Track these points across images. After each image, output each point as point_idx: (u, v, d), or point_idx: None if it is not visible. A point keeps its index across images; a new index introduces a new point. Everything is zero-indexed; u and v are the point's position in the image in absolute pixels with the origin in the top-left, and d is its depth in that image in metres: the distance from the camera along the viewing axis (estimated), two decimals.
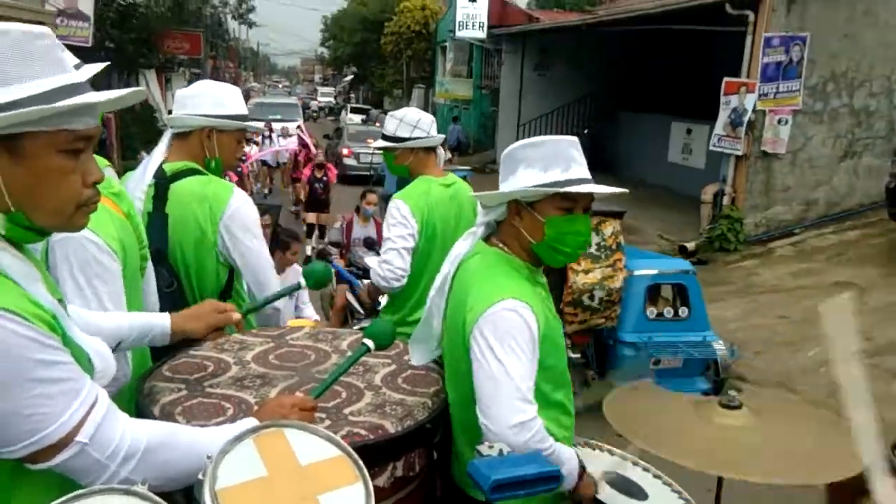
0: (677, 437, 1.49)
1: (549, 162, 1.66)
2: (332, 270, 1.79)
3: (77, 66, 1.75)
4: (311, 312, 4.41)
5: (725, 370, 5.25)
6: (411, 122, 2.87)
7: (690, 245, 9.23)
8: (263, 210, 2.56)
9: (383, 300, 2.99)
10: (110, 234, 1.71)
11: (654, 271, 5.15)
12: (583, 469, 1.69)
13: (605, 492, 1.84)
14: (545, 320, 1.67)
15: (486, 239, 1.83)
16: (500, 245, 1.78)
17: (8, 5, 9.87)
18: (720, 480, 1.81)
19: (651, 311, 5.05)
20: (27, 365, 1.05)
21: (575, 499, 1.74)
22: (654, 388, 1.85)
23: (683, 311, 5.07)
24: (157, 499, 1.05)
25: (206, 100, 2.28)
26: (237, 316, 1.75)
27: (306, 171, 10.16)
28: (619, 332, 4.95)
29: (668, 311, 5.11)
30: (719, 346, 5.07)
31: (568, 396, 1.82)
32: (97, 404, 1.13)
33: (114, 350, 1.48)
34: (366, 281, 3.23)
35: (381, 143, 2.99)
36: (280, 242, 4.58)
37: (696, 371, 5.14)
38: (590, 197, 1.69)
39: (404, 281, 2.80)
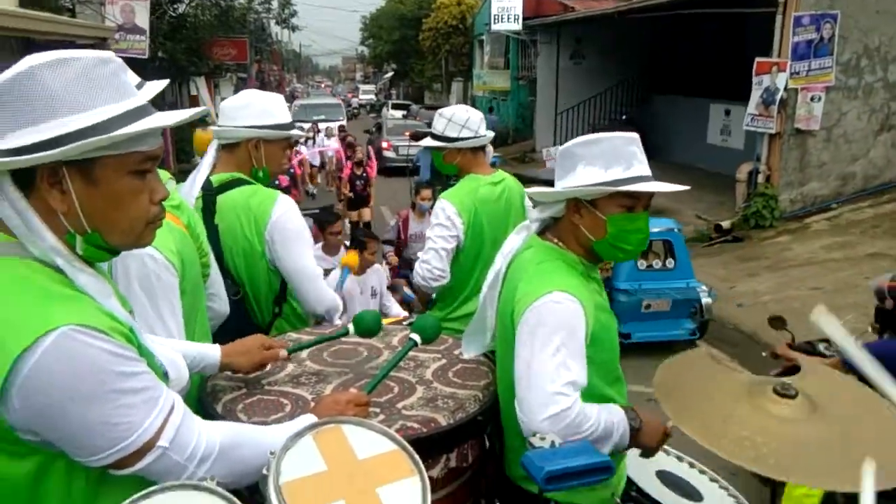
0: (728, 428, 1.37)
1: (610, 159, 1.65)
2: (382, 320, 1.91)
3: (139, 86, 1.88)
4: (398, 310, 4.48)
5: (709, 312, 5.97)
6: (459, 121, 2.85)
7: (726, 223, 9.41)
8: (317, 219, 2.66)
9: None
10: (169, 248, 1.72)
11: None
12: (634, 430, 1.65)
13: (659, 491, 1.88)
14: (595, 316, 1.67)
15: (541, 233, 1.82)
16: (555, 241, 1.77)
17: (71, 23, 10.64)
18: (774, 484, 1.73)
19: (641, 263, 5.84)
20: (111, 378, 1.09)
21: (642, 451, 1.74)
22: (707, 360, 1.71)
23: (670, 263, 5.90)
24: (226, 493, 1.08)
25: (252, 110, 2.28)
26: (283, 354, 1.77)
27: (346, 170, 10.25)
28: (615, 281, 5.77)
29: (657, 263, 5.93)
30: (702, 290, 5.91)
31: (620, 392, 1.81)
32: (174, 410, 1.17)
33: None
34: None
35: (431, 142, 2.97)
36: (357, 243, 4.51)
37: (683, 314, 6.02)
38: (650, 194, 1.67)
39: (443, 281, 2.83)
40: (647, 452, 1.75)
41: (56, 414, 1.06)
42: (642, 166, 1.67)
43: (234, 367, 1.73)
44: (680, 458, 2.10)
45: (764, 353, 2.73)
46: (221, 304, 2.17)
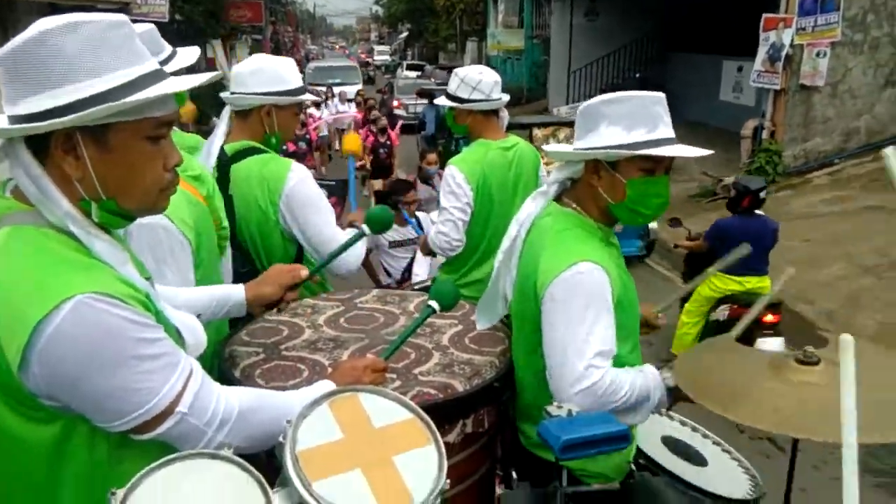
0: (751, 398, 1.36)
1: (634, 120, 1.59)
2: (393, 213, 1.89)
3: (171, 55, 1.87)
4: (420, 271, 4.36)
5: (654, 234, 7.00)
6: (471, 82, 2.80)
7: (729, 179, 9.64)
8: (329, 191, 2.55)
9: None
10: (182, 218, 1.71)
11: None
12: (671, 390, 1.64)
13: (665, 457, 1.89)
14: (620, 282, 1.65)
15: (558, 198, 1.78)
16: (574, 205, 1.73)
17: None
18: (795, 443, 1.74)
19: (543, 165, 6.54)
20: (129, 344, 1.09)
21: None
22: (728, 347, 1.68)
23: None
24: (243, 462, 1.08)
25: (263, 76, 2.27)
26: (305, 272, 1.75)
27: (369, 139, 9.70)
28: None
29: None
30: None
31: (638, 356, 1.80)
32: (193, 375, 1.17)
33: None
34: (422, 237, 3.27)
35: (443, 100, 2.95)
36: (393, 203, 4.38)
37: (633, 234, 6.90)
38: (672, 158, 1.62)
39: (459, 249, 2.84)
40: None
41: (75, 380, 1.07)
42: (667, 128, 1.61)
43: (264, 298, 1.72)
44: (683, 423, 2.11)
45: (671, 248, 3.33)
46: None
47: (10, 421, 1.11)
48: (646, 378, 1.63)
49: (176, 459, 1.05)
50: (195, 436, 1.17)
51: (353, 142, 3.50)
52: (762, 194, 4.88)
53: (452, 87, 2.88)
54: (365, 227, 1.84)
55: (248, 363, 1.74)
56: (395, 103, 17.91)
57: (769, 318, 4.55)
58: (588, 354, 1.54)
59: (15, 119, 1.09)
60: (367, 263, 3.60)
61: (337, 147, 13.30)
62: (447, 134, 14.11)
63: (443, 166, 8.78)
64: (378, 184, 9.31)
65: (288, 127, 2.39)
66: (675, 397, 1.64)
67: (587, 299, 1.56)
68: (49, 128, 1.07)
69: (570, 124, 6.27)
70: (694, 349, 1.76)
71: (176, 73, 1.42)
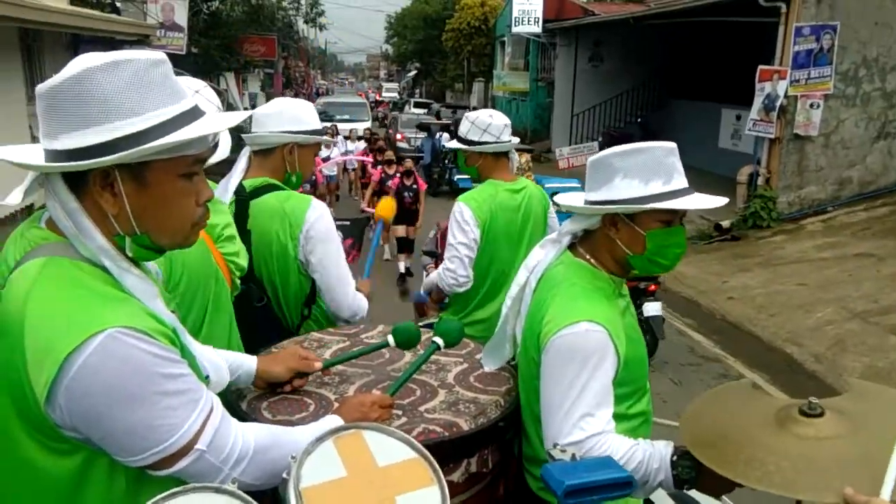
0: (743, 451, 1.33)
1: (650, 172, 1.59)
2: (421, 334, 1.91)
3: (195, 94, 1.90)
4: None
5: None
6: (482, 125, 2.89)
7: (725, 223, 9.89)
8: (344, 232, 2.54)
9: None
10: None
11: (556, 185, 8.56)
12: (685, 478, 1.55)
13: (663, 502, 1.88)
14: (626, 341, 1.63)
15: (571, 246, 1.76)
16: (587, 257, 1.72)
17: (117, 20, 11.36)
18: None
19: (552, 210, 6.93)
20: (154, 379, 1.09)
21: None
22: (747, 390, 1.63)
23: None
24: (245, 496, 1.07)
25: (285, 117, 2.33)
26: (318, 365, 1.75)
27: (375, 174, 9.27)
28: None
29: None
30: None
31: (649, 401, 1.79)
32: (213, 412, 1.17)
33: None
34: (425, 283, 3.32)
35: (455, 143, 3.02)
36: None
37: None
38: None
39: (468, 286, 2.87)
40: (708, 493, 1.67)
41: (100, 414, 1.07)
42: (681, 178, 1.61)
43: (270, 375, 1.70)
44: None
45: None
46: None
47: (33, 451, 1.11)
48: (650, 457, 1.54)
49: (180, 493, 1.05)
50: (211, 473, 1.16)
51: (388, 207, 3.23)
52: None
53: (463, 129, 2.94)
54: (390, 339, 1.81)
55: (255, 395, 1.74)
56: (399, 136, 18.50)
57: (651, 287, 5.55)
58: (575, 415, 1.53)
59: (54, 154, 1.10)
60: (420, 307, 3.64)
61: (338, 190, 12.97)
62: (441, 164, 15.02)
63: (432, 193, 8.97)
64: (401, 230, 8.55)
65: (307, 166, 2.45)
66: (698, 485, 1.55)
67: (584, 359, 1.55)
68: (92, 166, 1.08)
69: (529, 151, 6.81)
70: (708, 397, 1.63)
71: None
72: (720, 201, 1.63)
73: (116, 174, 1.11)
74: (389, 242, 9.21)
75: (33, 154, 1.15)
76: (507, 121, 2.97)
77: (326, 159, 11.64)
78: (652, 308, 5.47)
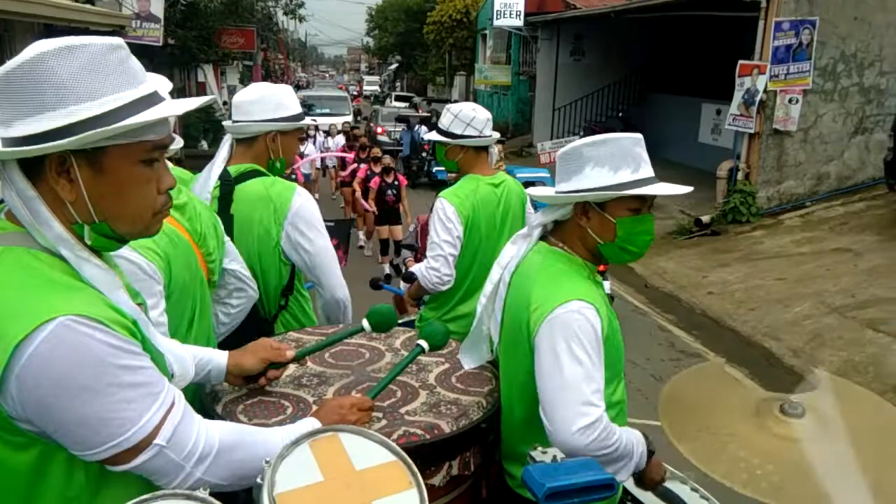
0: (726, 449, 1.33)
1: (619, 161, 1.64)
2: (397, 316, 1.87)
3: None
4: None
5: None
6: (465, 119, 2.87)
7: (705, 218, 9.93)
8: (329, 233, 2.47)
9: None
10: (146, 245, 1.65)
11: (526, 175, 8.50)
12: (651, 453, 1.69)
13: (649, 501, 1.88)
14: (608, 322, 1.66)
15: (543, 238, 1.80)
16: (561, 245, 1.76)
17: (91, 10, 11.13)
18: None
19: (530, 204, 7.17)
20: (110, 370, 1.06)
21: (642, 480, 1.75)
22: (721, 375, 1.66)
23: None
24: (217, 503, 1.05)
25: (267, 104, 2.31)
26: (290, 353, 1.69)
27: (360, 172, 8.79)
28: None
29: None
30: None
31: (624, 391, 1.81)
32: (174, 406, 1.14)
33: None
34: (405, 285, 3.31)
35: (435, 135, 2.99)
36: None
37: None
38: (653, 196, 1.67)
39: (451, 284, 2.87)
40: (645, 484, 1.76)
41: (52, 405, 1.04)
42: (648, 167, 1.67)
43: (241, 368, 1.64)
44: (672, 475, 2.05)
45: None
46: (250, 292, 2.18)
47: None
48: (630, 434, 1.65)
49: (149, 500, 1.02)
50: (172, 470, 1.13)
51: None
52: None
53: (445, 122, 2.91)
54: (365, 323, 1.80)
55: (231, 398, 1.70)
56: (380, 129, 18.42)
57: (600, 266, 6.12)
58: (587, 392, 1.54)
59: (9, 141, 1.07)
60: (400, 304, 3.59)
61: (317, 191, 11.96)
62: (419, 156, 15.07)
63: (411, 185, 8.90)
64: (385, 231, 8.33)
65: (291, 152, 2.45)
66: (650, 461, 1.67)
67: (581, 338, 1.57)
68: (44, 151, 1.06)
69: (501, 141, 6.84)
70: (683, 377, 1.67)
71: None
72: (685, 189, 1.69)
73: (73, 160, 1.09)
74: (371, 239, 9.02)
75: None
76: (489, 115, 2.96)
77: (303, 156, 11.10)
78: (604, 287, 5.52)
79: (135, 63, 1.15)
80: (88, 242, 1.15)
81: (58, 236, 1.11)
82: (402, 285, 3.68)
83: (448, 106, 3.04)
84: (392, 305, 1.93)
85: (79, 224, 1.14)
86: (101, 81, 1.08)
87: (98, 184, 1.11)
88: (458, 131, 2.88)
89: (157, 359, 1.20)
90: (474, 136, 2.88)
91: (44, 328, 1.02)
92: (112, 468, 1.11)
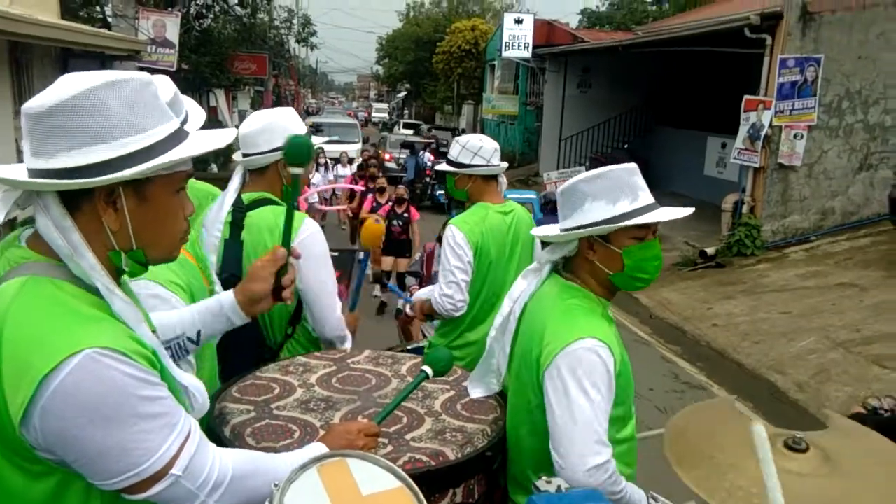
0: (726, 478, 1.34)
1: (616, 193, 1.65)
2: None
3: (185, 117, 1.84)
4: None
5: None
6: (473, 149, 2.93)
7: (710, 250, 9.96)
8: (334, 264, 2.38)
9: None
10: (171, 280, 1.69)
11: (515, 196, 8.62)
12: None
13: None
14: (621, 359, 1.65)
15: (556, 271, 1.81)
16: (574, 279, 1.76)
17: (108, 35, 11.36)
18: None
19: None
20: (131, 401, 1.07)
21: None
22: (728, 410, 1.65)
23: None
24: None
25: (275, 133, 2.28)
26: (282, 251, 1.56)
27: (367, 203, 8.48)
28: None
29: None
30: None
31: (634, 427, 1.80)
32: (190, 437, 1.16)
33: (197, 342, 1.57)
34: (415, 299, 3.33)
35: (444, 166, 3.05)
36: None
37: None
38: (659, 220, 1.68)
39: (464, 310, 2.89)
40: None
41: (75, 436, 1.05)
42: (646, 194, 1.68)
43: (252, 294, 1.55)
44: None
45: None
46: None
47: (7, 472, 1.11)
48: (634, 490, 1.65)
49: None
50: (187, 499, 1.15)
51: (373, 234, 3.00)
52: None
53: (454, 153, 2.98)
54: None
55: (239, 421, 1.72)
56: (387, 156, 18.70)
57: None
58: (599, 431, 1.54)
59: (49, 172, 1.09)
60: (407, 330, 3.59)
61: (324, 220, 10.88)
62: (423, 180, 15.47)
63: (416, 207, 8.91)
64: (389, 262, 7.85)
65: (304, 174, 2.47)
66: None
67: (594, 376, 1.56)
68: (107, 182, 1.09)
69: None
70: (690, 410, 1.67)
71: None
72: (686, 212, 1.71)
73: (121, 190, 1.13)
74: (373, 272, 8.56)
75: (16, 173, 1.13)
76: (497, 145, 3.02)
77: (310, 185, 10.45)
78: None
79: (160, 97, 1.20)
80: (126, 269, 1.20)
81: (91, 267, 1.13)
82: (413, 296, 3.64)
83: (457, 138, 3.11)
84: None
85: (116, 252, 1.17)
86: (145, 114, 1.13)
87: (141, 212, 1.16)
88: (465, 161, 2.94)
89: (174, 388, 1.22)
90: (482, 165, 2.93)
91: (70, 361, 1.04)
92: (128, 497, 1.12)
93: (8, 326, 1.07)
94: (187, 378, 1.33)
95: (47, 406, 1.03)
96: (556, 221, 1.84)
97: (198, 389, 1.36)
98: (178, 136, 1.18)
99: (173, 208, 1.21)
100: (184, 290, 1.72)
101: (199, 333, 1.55)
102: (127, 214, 1.15)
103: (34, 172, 1.10)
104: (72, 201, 1.12)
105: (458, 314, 2.89)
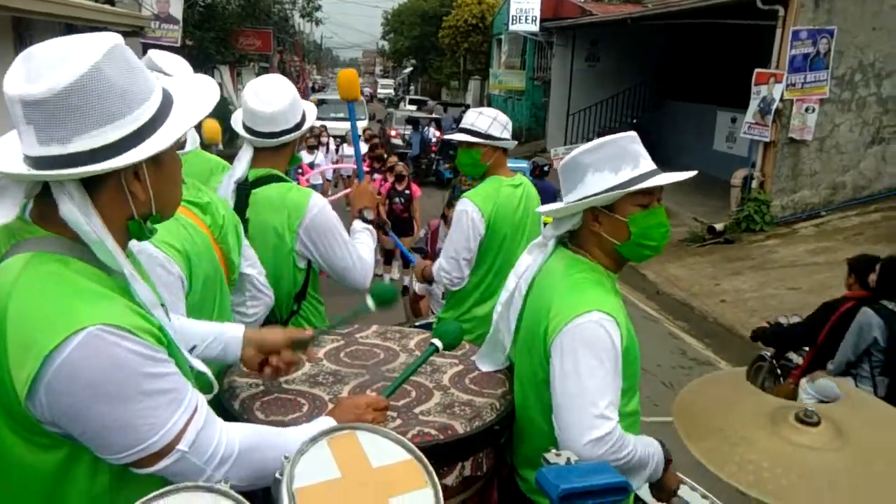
0: (736, 451, 1.33)
1: (617, 161, 1.64)
2: (399, 293, 1.82)
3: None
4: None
5: None
6: (503, 122, 2.93)
7: (719, 226, 9.89)
8: None
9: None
10: (167, 241, 1.67)
11: (511, 165, 8.74)
12: (668, 461, 1.69)
13: None
14: (627, 332, 1.65)
15: (563, 244, 1.80)
16: (583, 252, 1.75)
17: (112, 11, 11.27)
18: None
19: None
20: (137, 379, 1.08)
21: (658, 489, 1.75)
22: (740, 381, 1.65)
23: None
24: (239, 497, 1.07)
25: (295, 110, 2.31)
26: (309, 331, 1.72)
27: (381, 186, 8.07)
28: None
29: None
30: None
31: (638, 400, 1.81)
32: (197, 412, 1.16)
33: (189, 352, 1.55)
34: (418, 263, 3.35)
35: (469, 137, 2.93)
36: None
37: None
38: (661, 186, 1.66)
39: (462, 285, 2.92)
40: (661, 493, 1.76)
41: (80, 411, 1.06)
42: (648, 161, 1.67)
43: (263, 339, 1.63)
44: (693, 489, 2.05)
45: None
46: (266, 300, 2.17)
47: (14, 445, 1.12)
48: (646, 445, 1.65)
49: (172, 491, 1.05)
50: (194, 473, 1.15)
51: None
52: (546, 168, 8.37)
53: (482, 125, 2.90)
54: (370, 301, 1.76)
55: (248, 395, 1.73)
56: (393, 132, 18.49)
57: None
58: (600, 405, 1.53)
59: (66, 157, 1.06)
60: (416, 307, 3.61)
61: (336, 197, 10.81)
62: (427, 155, 15.47)
63: (419, 183, 8.73)
64: (391, 242, 7.61)
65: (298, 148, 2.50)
66: (667, 470, 1.69)
67: (599, 350, 1.56)
68: (147, 154, 1.09)
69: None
70: (700, 382, 1.66)
71: None
72: (688, 175, 1.68)
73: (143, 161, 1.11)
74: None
75: (13, 163, 1.09)
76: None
77: (313, 166, 10.24)
78: None
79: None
80: (149, 235, 1.21)
81: (116, 251, 1.13)
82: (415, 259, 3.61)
83: (478, 110, 3.05)
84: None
85: (135, 221, 1.17)
86: (142, 80, 1.11)
87: (158, 178, 1.17)
88: (496, 133, 2.92)
89: (181, 363, 1.22)
90: (508, 140, 2.96)
91: (74, 338, 1.04)
92: (136, 471, 1.13)
93: (13, 302, 1.07)
94: (195, 362, 1.32)
95: (52, 382, 1.04)
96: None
97: (205, 372, 1.36)
98: (168, 96, 1.17)
99: (178, 167, 1.24)
100: (178, 252, 1.69)
101: (191, 350, 1.52)
102: (148, 182, 1.15)
103: (47, 160, 1.06)
104: (92, 182, 1.10)
105: (454, 288, 2.91)
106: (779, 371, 4.73)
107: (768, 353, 4.83)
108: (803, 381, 4.23)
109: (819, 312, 4.46)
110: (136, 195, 1.15)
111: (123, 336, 1.07)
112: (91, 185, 1.10)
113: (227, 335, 1.61)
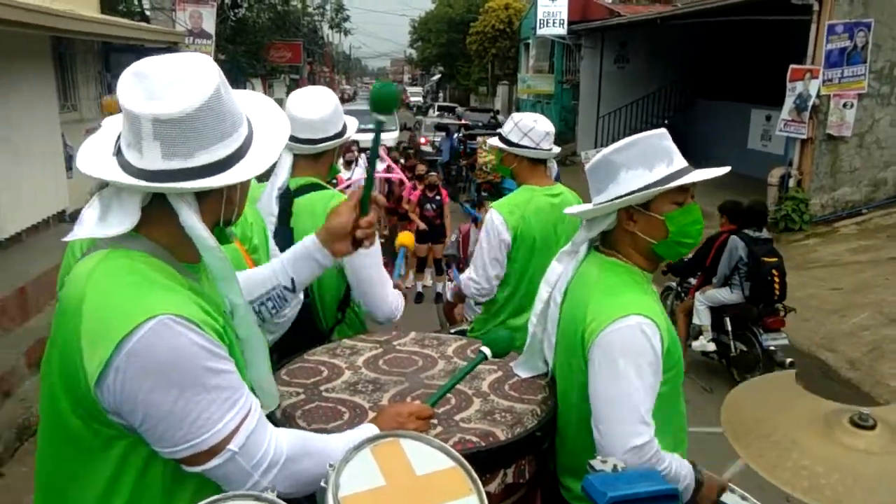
0: (789, 456, 1.29)
1: (651, 159, 1.61)
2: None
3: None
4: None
5: None
6: (523, 129, 2.88)
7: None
8: None
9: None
10: None
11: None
12: (699, 484, 1.63)
13: None
14: (668, 334, 1.61)
15: (596, 248, 1.78)
16: (617, 255, 1.72)
17: (147, 28, 11.55)
18: None
19: None
20: (198, 371, 1.11)
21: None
22: (790, 383, 1.60)
23: None
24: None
25: (337, 118, 2.33)
26: (359, 189, 1.63)
27: (413, 195, 8.02)
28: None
29: None
30: None
31: (684, 406, 1.79)
32: (250, 414, 1.17)
33: (293, 289, 1.61)
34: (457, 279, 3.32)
35: (495, 141, 3.03)
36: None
37: None
38: (694, 184, 1.64)
39: (491, 296, 2.90)
40: None
41: (143, 398, 1.09)
42: (680, 158, 1.65)
43: (334, 229, 1.59)
44: (744, 498, 2.11)
45: None
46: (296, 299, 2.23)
47: (81, 431, 1.16)
48: (680, 463, 1.62)
49: (220, 500, 1.06)
50: (241, 477, 1.16)
51: (407, 238, 3.27)
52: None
53: (506, 129, 2.95)
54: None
55: (289, 403, 1.74)
56: (423, 140, 18.58)
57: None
58: (642, 411, 1.52)
59: (186, 171, 1.14)
60: (450, 314, 3.63)
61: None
62: (457, 162, 15.38)
63: (450, 193, 8.69)
64: (424, 249, 7.74)
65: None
66: (697, 492, 1.62)
67: (638, 355, 1.53)
68: (246, 175, 1.19)
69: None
70: (749, 385, 1.62)
71: None
72: (723, 170, 1.66)
73: None
74: (410, 266, 8.08)
75: (111, 172, 1.16)
76: (551, 129, 2.93)
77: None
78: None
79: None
80: (231, 241, 1.30)
81: (222, 254, 1.22)
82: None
83: (513, 114, 3.08)
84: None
85: (219, 227, 1.25)
86: (236, 101, 1.22)
87: (243, 187, 1.27)
88: (514, 139, 2.90)
89: (241, 365, 1.24)
90: (529, 148, 2.87)
91: (146, 325, 1.09)
92: (187, 468, 1.16)
93: (89, 293, 1.13)
94: (266, 380, 1.37)
95: (121, 366, 1.08)
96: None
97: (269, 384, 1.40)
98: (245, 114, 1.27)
99: None
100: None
101: (293, 280, 1.59)
102: (238, 188, 1.24)
103: (165, 173, 1.14)
104: (202, 193, 1.18)
105: (483, 299, 2.92)
106: (682, 293, 6.35)
107: (674, 283, 6.52)
108: (697, 293, 5.81)
109: (704, 245, 5.73)
110: (236, 200, 1.25)
111: (190, 328, 1.11)
112: (199, 196, 1.19)
113: (310, 249, 1.59)
